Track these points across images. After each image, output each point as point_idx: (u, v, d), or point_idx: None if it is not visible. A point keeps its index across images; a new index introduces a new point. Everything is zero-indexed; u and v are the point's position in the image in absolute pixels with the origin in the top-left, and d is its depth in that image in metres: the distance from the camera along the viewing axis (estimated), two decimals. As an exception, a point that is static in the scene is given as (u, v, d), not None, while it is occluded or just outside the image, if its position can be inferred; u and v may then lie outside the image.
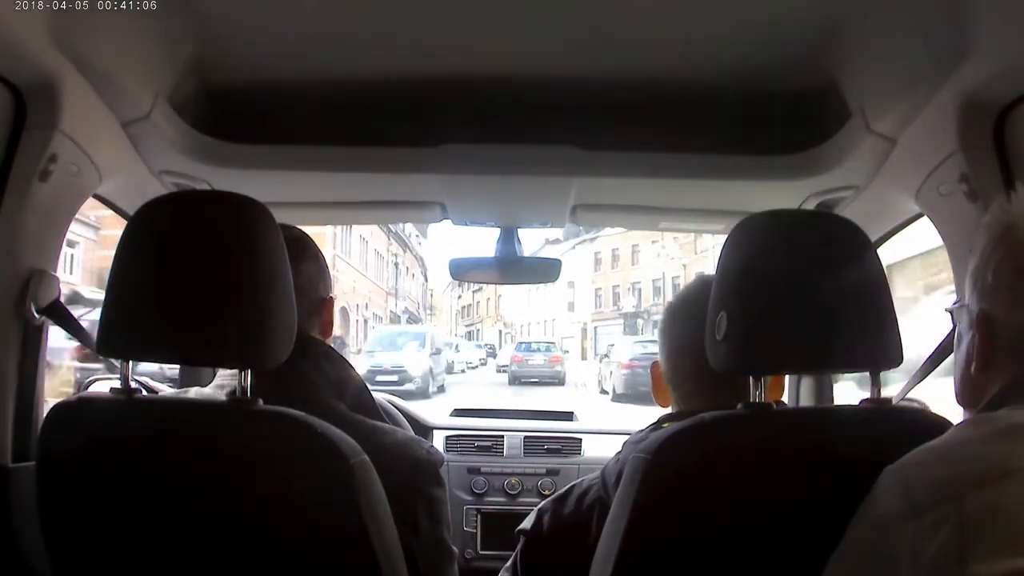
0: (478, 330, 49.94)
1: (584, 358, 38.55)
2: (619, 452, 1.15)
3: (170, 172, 1.46)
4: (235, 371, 0.97)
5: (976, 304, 0.85)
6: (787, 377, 1.98)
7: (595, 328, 39.66)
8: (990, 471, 0.67)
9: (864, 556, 0.76)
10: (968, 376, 0.86)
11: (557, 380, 20.79)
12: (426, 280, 45.10)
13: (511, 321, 47.88)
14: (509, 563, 1.20)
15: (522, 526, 1.20)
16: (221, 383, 1.15)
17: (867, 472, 0.79)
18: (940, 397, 1.17)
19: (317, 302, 1.22)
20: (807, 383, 1.97)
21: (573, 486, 1.20)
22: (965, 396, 0.88)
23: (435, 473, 1.15)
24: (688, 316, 1.19)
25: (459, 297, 52.63)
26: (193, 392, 1.28)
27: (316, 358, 1.14)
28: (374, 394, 1.23)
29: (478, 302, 51.69)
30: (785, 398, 2.00)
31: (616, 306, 37.80)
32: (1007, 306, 0.81)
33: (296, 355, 1.06)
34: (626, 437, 1.20)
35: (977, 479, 0.67)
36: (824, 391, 1.95)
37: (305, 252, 1.21)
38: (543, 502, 1.22)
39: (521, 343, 24.39)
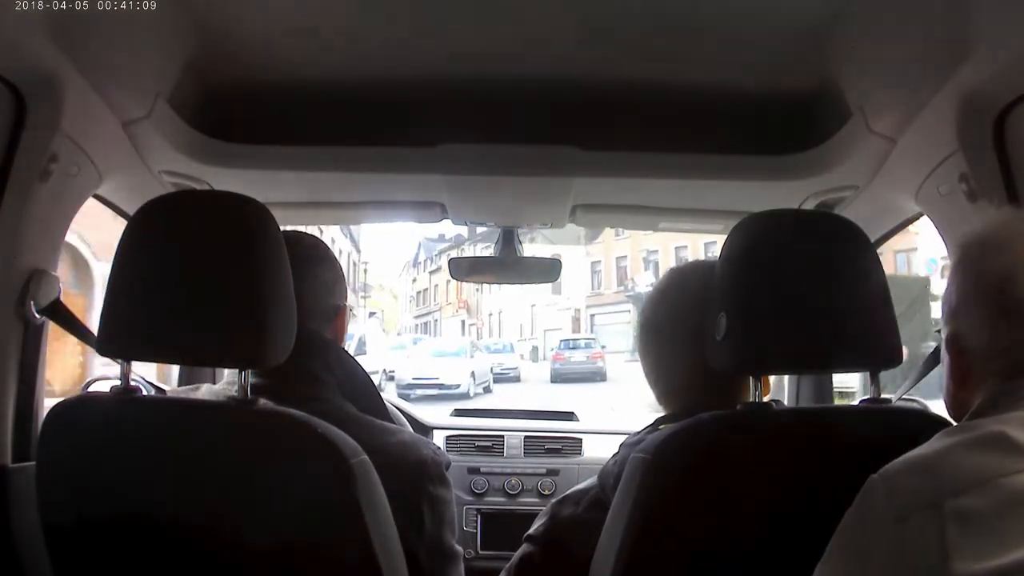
0: (436, 321, 39.04)
1: (576, 358, 30.08)
2: (616, 454, 1.15)
3: (170, 172, 1.46)
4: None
5: (947, 327, 0.89)
6: (787, 377, 1.99)
7: (591, 316, 30.50)
8: (967, 479, 0.71)
9: (849, 560, 0.79)
10: (951, 392, 0.90)
11: (600, 376, 19.94)
12: (357, 251, 32.00)
13: (477, 309, 36.85)
14: (509, 564, 1.20)
15: (528, 531, 1.20)
16: (232, 380, 1.15)
17: (866, 472, 0.79)
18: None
19: (332, 308, 1.23)
20: (807, 383, 1.97)
21: (573, 490, 1.21)
22: (951, 410, 0.92)
23: (441, 474, 1.15)
24: (670, 309, 1.17)
25: (414, 280, 41.96)
26: (204, 389, 1.28)
27: (327, 359, 1.15)
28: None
29: (436, 285, 39.43)
30: (785, 398, 2.01)
31: (623, 286, 28.11)
32: (974, 326, 0.84)
33: (308, 356, 1.06)
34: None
35: (955, 487, 0.71)
36: (824, 391, 1.95)
37: (322, 258, 1.23)
38: (546, 506, 1.22)
39: (562, 341, 23.36)
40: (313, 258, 1.21)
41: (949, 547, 0.68)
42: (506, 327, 34.50)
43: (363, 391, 1.17)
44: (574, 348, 21.83)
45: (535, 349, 30.42)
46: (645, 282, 23.56)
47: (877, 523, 0.75)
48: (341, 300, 1.25)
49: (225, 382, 1.17)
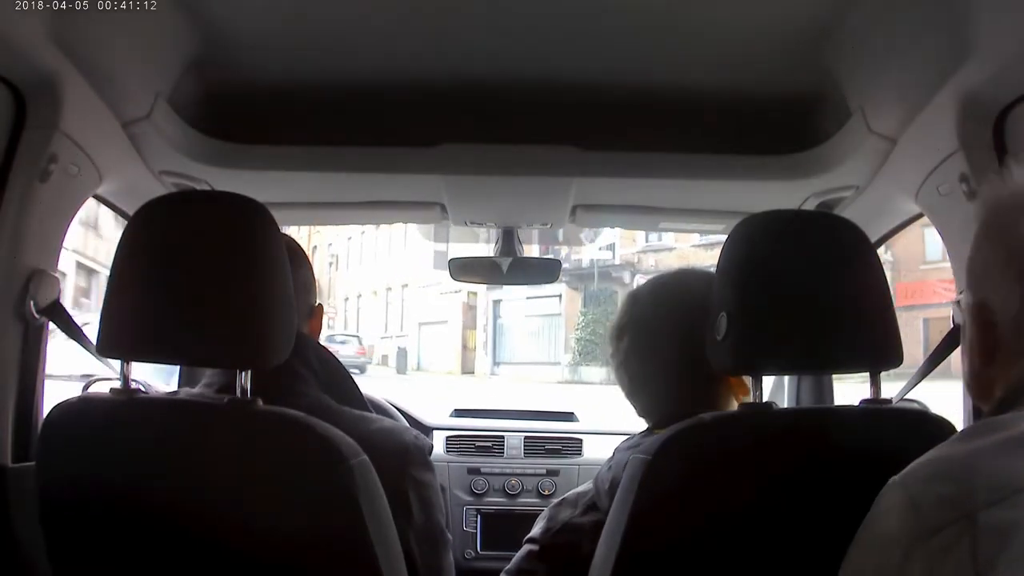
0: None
1: (468, 370, 21.21)
2: (610, 459, 1.15)
3: (170, 172, 1.46)
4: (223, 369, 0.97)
5: (972, 295, 0.81)
6: (787, 377, 1.99)
7: (495, 303, 21.65)
8: (1002, 487, 0.63)
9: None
10: (975, 370, 0.81)
11: (360, 370, 20.72)
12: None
13: (330, 292, 27.08)
14: (509, 566, 1.20)
15: (529, 533, 1.21)
16: (209, 381, 1.15)
17: (867, 473, 0.78)
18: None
19: (309, 306, 1.26)
20: (807, 383, 1.97)
21: (571, 492, 1.22)
22: (974, 390, 0.83)
23: (424, 458, 1.16)
24: (671, 310, 1.17)
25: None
26: (183, 393, 1.28)
27: (306, 355, 1.16)
28: (372, 394, 1.24)
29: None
30: (785, 398, 2.01)
31: (553, 253, 15.41)
32: (1002, 294, 0.76)
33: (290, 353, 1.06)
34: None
35: (989, 496, 0.63)
36: (824, 391, 1.95)
37: (300, 258, 1.25)
38: (544, 510, 1.23)
39: (329, 336, 22.71)
40: (293, 259, 1.22)
41: (983, 566, 0.60)
42: (367, 317, 25.90)
43: (340, 383, 1.19)
44: (341, 343, 22.32)
45: (403, 352, 22.88)
46: (593, 247, 16.06)
47: (901, 537, 0.67)
48: (315, 300, 1.29)
49: (202, 384, 1.17)
